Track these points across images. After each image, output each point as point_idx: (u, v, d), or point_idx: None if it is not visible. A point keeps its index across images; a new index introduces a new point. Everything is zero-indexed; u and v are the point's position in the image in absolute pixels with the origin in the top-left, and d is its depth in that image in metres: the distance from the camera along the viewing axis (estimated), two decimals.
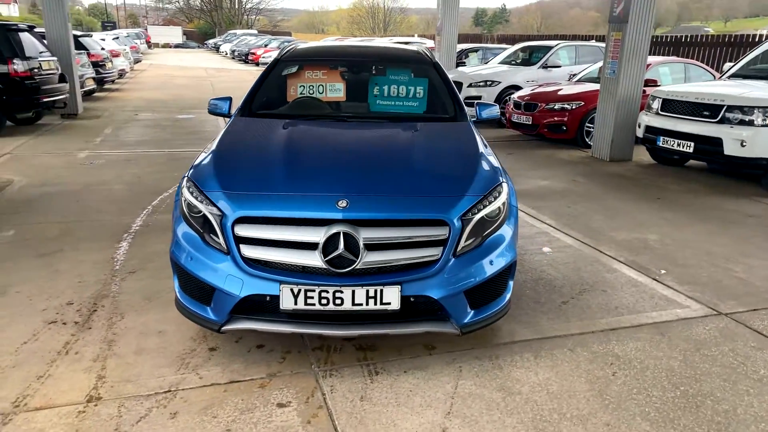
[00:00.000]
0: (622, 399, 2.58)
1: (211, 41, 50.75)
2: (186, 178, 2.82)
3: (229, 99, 3.84)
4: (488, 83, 10.91)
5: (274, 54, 24.90)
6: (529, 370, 2.80)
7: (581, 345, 3.04)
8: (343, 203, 2.47)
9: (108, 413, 2.40)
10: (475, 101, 4.10)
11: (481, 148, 3.21)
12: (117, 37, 23.98)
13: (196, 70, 26.53)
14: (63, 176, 6.47)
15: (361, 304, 2.45)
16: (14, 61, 8.56)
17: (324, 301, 2.44)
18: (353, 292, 2.43)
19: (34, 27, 9.88)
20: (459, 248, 2.57)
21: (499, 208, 2.74)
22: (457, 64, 13.69)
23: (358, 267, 2.44)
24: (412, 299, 2.52)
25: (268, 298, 2.47)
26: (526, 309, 3.44)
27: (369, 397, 2.56)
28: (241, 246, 2.49)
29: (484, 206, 2.67)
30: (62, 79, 9.86)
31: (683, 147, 6.66)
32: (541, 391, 2.63)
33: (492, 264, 2.65)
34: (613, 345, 3.05)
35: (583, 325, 3.26)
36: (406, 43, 14.78)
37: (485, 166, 2.97)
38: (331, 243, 2.41)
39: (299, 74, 4.09)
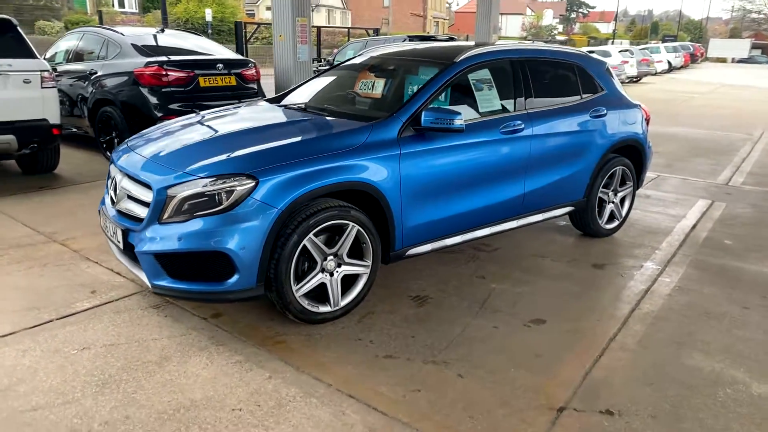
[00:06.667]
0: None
1: None
2: None
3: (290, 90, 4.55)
4: None
5: None
6: (204, 365, 2.75)
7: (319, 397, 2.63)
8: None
9: (80, 266, 3.94)
10: (426, 108, 3.31)
11: (307, 145, 3.08)
12: (627, 50, 24.76)
13: (712, 87, 24.06)
14: None
15: (115, 235, 3.15)
16: None
17: (107, 227, 3.27)
18: (111, 225, 3.16)
19: (454, 38, 12.07)
20: (164, 216, 2.84)
21: (220, 194, 2.76)
22: None
23: (116, 208, 3.14)
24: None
25: None
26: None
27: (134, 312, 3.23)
28: None
29: (197, 187, 2.79)
30: None
31: None
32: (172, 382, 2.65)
33: (182, 241, 2.76)
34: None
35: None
36: None
37: (255, 158, 2.91)
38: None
39: (363, 72, 4.38)
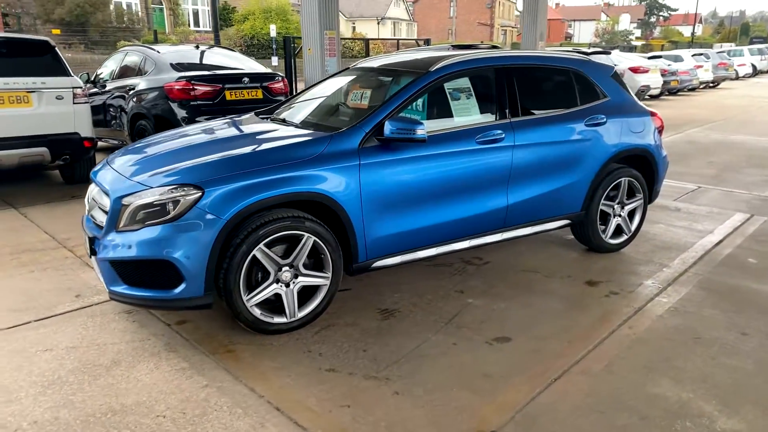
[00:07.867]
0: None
1: None
2: None
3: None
4: None
5: None
6: (149, 371, 2.82)
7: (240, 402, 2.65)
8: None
9: (76, 272, 4.23)
10: (390, 118, 3.22)
11: (262, 157, 3.11)
12: (701, 54, 23.44)
13: None
14: None
15: (85, 243, 3.30)
16: None
17: (83, 236, 3.43)
18: (83, 233, 3.32)
19: (497, 47, 11.84)
20: (120, 225, 2.94)
21: (167, 204, 2.83)
22: None
23: (88, 216, 3.30)
24: None
25: None
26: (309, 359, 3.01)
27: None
28: None
29: (147, 196, 2.87)
30: None
31: None
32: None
33: (133, 249, 2.85)
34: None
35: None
36: None
37: (202, 169, 2.96)
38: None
39: (355, 83, 4.38)
